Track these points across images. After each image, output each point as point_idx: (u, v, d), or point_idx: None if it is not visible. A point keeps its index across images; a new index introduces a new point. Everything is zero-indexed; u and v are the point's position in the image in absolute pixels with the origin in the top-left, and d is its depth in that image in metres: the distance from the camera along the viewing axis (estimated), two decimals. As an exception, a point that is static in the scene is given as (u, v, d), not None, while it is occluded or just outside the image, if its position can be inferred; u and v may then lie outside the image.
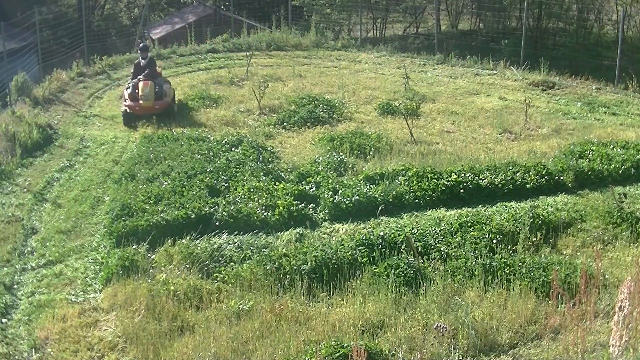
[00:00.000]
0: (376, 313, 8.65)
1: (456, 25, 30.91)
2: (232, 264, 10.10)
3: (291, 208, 11.47)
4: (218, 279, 9.77)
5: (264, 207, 11.49)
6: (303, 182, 12.59)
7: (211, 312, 8.98)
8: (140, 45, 18.78)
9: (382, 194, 11.86)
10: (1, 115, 17.41)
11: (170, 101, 17.34)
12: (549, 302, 8.49)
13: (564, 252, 10.21)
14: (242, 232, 10.92)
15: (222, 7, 33.03)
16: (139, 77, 17.39)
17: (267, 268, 9.62)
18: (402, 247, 9.96)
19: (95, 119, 18.06)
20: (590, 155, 13.29)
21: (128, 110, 17.02)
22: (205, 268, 9.96)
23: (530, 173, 12.50)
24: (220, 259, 10.21)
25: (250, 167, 13.11)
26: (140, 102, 16.94)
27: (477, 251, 9.82)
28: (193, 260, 10.04)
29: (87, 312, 9.29)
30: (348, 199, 11.71)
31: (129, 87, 17.41)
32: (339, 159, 13.65)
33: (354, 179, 12.71)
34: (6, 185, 13.89)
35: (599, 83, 19.99)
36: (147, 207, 11.52)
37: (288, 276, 9.50)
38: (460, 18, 31.48)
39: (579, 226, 10.88)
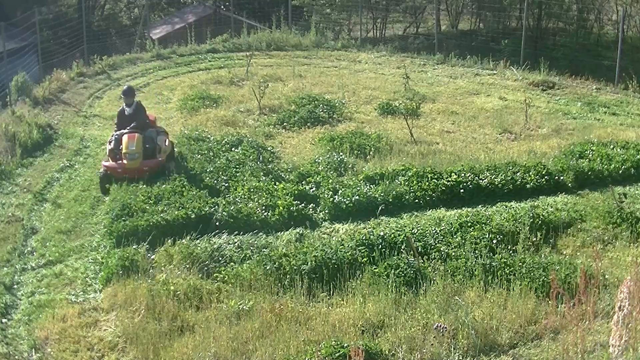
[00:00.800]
0: (376, 313, 8.65)
1: (456, 25, 30.91)
2: (232, 264, 10.10)
3: (291, 208, 11.47)
4: (218, 279, 9.77)
5: (264, 207, 11.49)
6: (303, 182, 12.59)
7: (211, 312, 8.98)
8: (125, 88, 14.24)
9: (382, 194, 11.86)
10: (1, 115, 17.41)
11: (167, 158, 13.39)
12: (549, 302, 8.49)
13: (564, 252, 10.21)
14: (242, 232, 10.92)
15: (222, 7, 33.03)
16: (123, 130, 13.45)
17: (267, 268, 9.62)
18: (402, 247, 9.96)
19: (95, 119, 18.07)
20: (590, 155, 13.30)
21: (108, 172, 13.05)
22: (205, 268, 9.96)
23: (530, 173, 12.50)
24: (220, 259, 10.22)
25: (250, 167, 13.11)
26: (124, 162, 12.99)
27: (477, 251, 9.82)
28: (193, 260, 10.04)
29: (87, 312, 9.29)
30: (348, 199, 11.71)
31: (112, 139, 13.43)
32: (339, 159, 13.65)
33: (354, 179, 12.71)
34: (6, 185, 13.89)
35: (599, 83, 20.01)
36: (147, 207, 11.52)
37: (288, 276, 9.50)
38: (460, 18, 31.48)
39: (579, 226, 10.88)
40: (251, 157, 13.71)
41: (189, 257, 10.10)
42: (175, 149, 14.09)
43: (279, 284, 9.43)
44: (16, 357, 8.44)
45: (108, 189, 12.79)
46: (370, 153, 14.22)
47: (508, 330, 8.32)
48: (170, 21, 33.22)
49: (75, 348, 8.54)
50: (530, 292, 8.85)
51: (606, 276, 9.31)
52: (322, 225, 11.40)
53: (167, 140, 13.65)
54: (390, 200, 11.84)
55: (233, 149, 14.32)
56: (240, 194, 11.95)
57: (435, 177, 12.38)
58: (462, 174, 12.40)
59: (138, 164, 12.97)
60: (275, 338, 8.30)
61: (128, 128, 13.31)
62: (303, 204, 11.77)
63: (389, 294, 8.92)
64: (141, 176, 12.76)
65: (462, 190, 12.12)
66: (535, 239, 10.37)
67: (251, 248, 10.45)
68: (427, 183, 12.21)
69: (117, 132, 13.44)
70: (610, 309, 8.04)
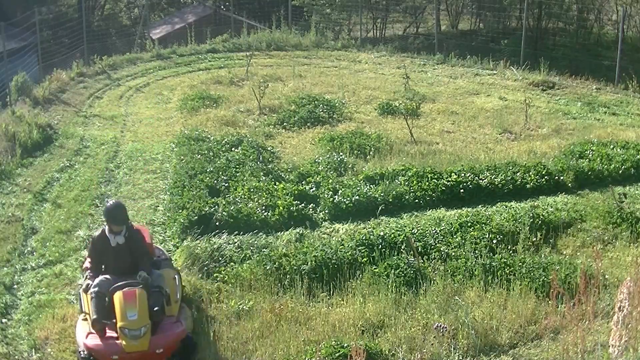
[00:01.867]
0: (376, 313, 8.65)
1: (456, 25, 30.92)
2: (232, 264, 10.10)
3: (291, 208, 11.47)
4: (218, 279, 9.77)
5: (264, 207, 11.49)
6: (303, 182, 12.58)
7: (211, 312, 8.98)
8: (109, 205, 8.43)
9: (382, 194, 11.86)
10: (1, 115, 17.40)
11: (180, 313, 8.19)
12: (549, 302, 8.49)
13: (564, 252, 10.21)
14: (242, 232, 10.91)
15: (222, 7, 33.03)
16: (117, 282, 7.92)
17: (267, 268, 9.61)
18: (402, 247, 9.96)
19: (95, 119, 18.06)
20: (590, 155, 13.30)
21: (91, 358, 7.69)
22: (205, 268, 9.96)
23: (530, 173, 12.50)
24: (220, 259, 10.21)
25: (250, 167, 13.10)
26: (122, 343, 7.55)
27: (477, 251, 9.82)
28: (193, 260, 10.04)
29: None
30: (348, 199, 11.71)
31: (93, 295, 7.89)
32: (339, 159, 13.65)
33: (354, 179, 12.70)
34: (6, 185, 13.88)
35: (599, 83, 20.01)
36: (147, 207, 11.51)
37: (288, 276, 9.49)
38: (460, 18, 31.49)
39: (579, 226, 10.89)
40: (251, 157, 13.70)
41: (189, 257, 10.10)
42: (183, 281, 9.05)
43: (279, 284, 9.43)
44: (16, 357, 8.43)
45: None
46: (370, 153, 14.22)
47: (508, 330, 8.33)
48: (170, 21, 33.24)
49: (75, 348, 8.53)
50: (530, 292, 8.85)
51: (606, 276, 9.31)
52: (322, 225, 11.39)
53: (176, 280, 8.59)
54: (390, 200, 11.83)
55: (233, 149, 14.32)
56: (240, 194, 11.94)
57: (435, 177, 12.38)
58: (462, 174, 12.40)
59: (147, 346, 7.55)
60: (275, 338, 8.30)
61: (125, 282, 7.87)
62: (303, 204, 11.76)
63: (389, 294, 8.92)
64: None
65: (462, 190, 12.11)
66: (535, 239, 10.37)
67: (251, 248, 10.44)
68: (427, 183, 12.21)
69: (99, 280, 8.04)
70: (610, 309, 8.04)
